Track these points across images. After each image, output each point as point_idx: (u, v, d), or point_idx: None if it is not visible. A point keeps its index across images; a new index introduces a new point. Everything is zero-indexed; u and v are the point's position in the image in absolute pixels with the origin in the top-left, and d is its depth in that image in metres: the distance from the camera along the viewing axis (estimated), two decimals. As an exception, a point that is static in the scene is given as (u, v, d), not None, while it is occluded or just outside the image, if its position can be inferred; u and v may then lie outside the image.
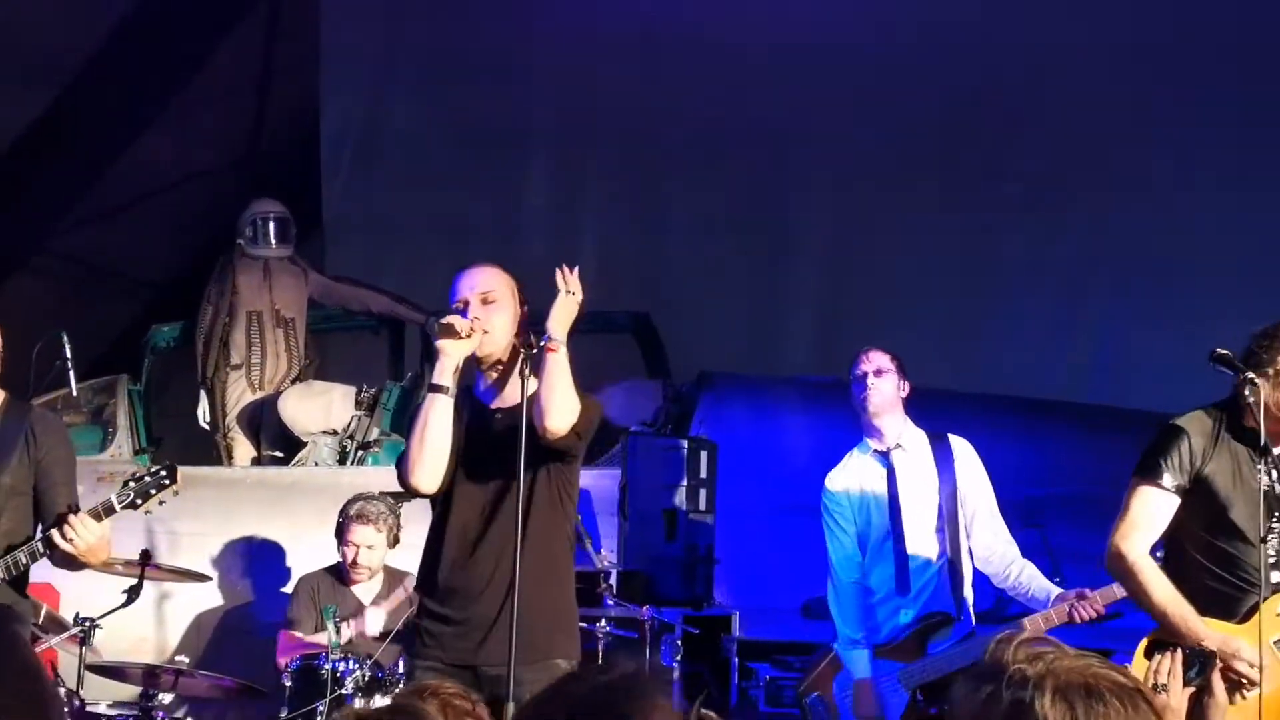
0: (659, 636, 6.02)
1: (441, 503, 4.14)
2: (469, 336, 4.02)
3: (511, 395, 4.11)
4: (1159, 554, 4.21)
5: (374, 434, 7.48)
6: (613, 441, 7.07)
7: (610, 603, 6.03)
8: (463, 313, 4.09)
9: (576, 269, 4.12)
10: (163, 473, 4.54)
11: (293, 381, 7.75)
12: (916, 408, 5.41)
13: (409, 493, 4.21)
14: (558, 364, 3.99)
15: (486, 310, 4.09)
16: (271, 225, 7.92)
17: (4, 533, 4.45)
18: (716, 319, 9.44)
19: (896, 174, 9.44)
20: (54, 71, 9.30)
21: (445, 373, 4.03)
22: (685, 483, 6.51)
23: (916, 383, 5.42)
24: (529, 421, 3.97)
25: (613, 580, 6.17)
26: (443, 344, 4.02)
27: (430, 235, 9.98)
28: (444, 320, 4.04)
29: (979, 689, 1.83)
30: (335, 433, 7.51)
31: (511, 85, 9.89)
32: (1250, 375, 4.02)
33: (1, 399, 4.56)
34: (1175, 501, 4.08)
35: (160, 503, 4.53)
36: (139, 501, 4.51)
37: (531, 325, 4.15)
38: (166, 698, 5.48)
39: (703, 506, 6.49)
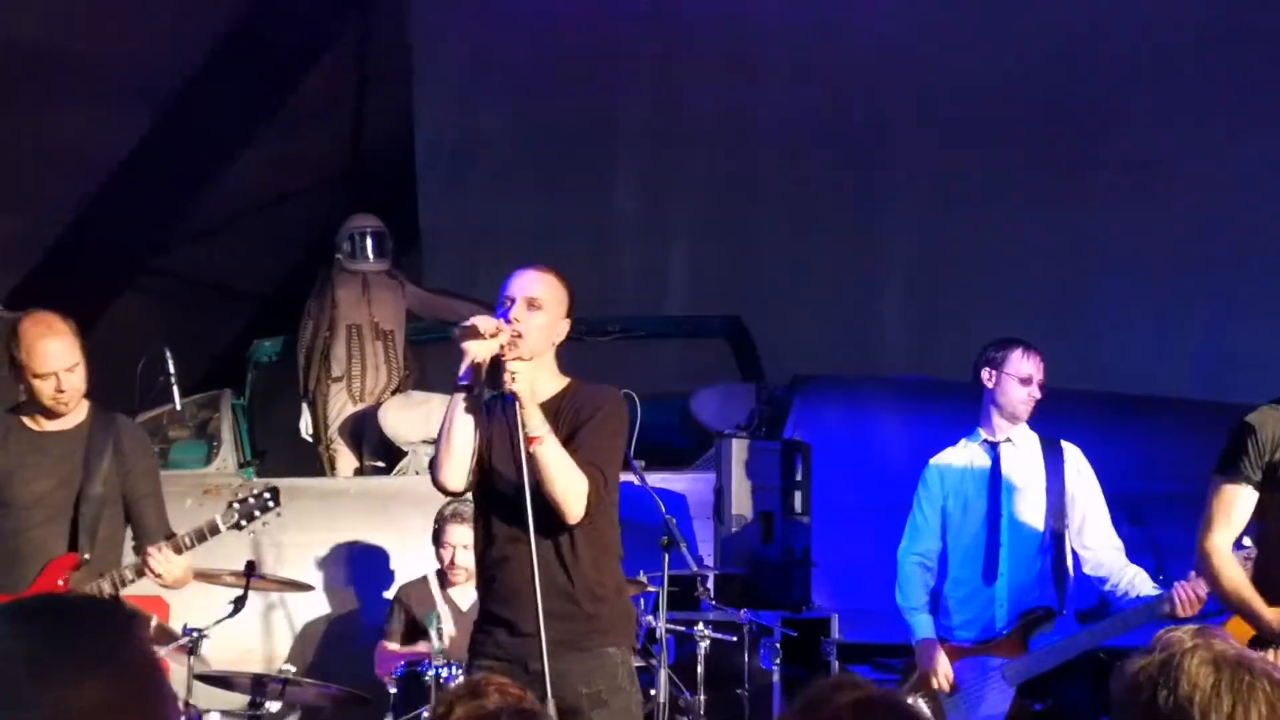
0: (757, 640, 6.01)
1: (481, 501, 4.19)
2: (492, 336, 3.99)
3: (537, 395, 4.10)
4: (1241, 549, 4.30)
5: (472, 442, 7.52)
6: (707, 445, 7.07)
7: (708, 606, 6.03)
8: (504, 312, 4.09)
9: (502, 320, 4.04)
10: (266, 495, 4.68)
11: (393, 393, 7.82)
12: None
13: (440, 491, 4.25)
14: (547, 458, 3.97)
15: (529, 314, 4.09)
16: (369, 240, 8.02)
17: (103, 540, 4.60)
18: (809, 321, 9.38)
19: (989, 169, 9.32)
20: (154, 92, 9.48)
21: (465, 369, 4.03)
22: (780, 485, 6.49)
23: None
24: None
25: (710, 584, 6.16)
26: (466, 345, 4.01)
27: (524, 244, 10.03)
28: (467, 322, 4.03)
29: (1133, 660, 1.92)
30: (435, 442, 7.56)
31: (600, 92, 9.92)
32: None
33: (87, 409, 4.67)
34: (1253, 494, 4.19)
35: (264, 524, 4.64)
36: (243, 523, 4.64)
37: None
38: (274, 705, 5.55)
39: (798, 509, 6.45)
